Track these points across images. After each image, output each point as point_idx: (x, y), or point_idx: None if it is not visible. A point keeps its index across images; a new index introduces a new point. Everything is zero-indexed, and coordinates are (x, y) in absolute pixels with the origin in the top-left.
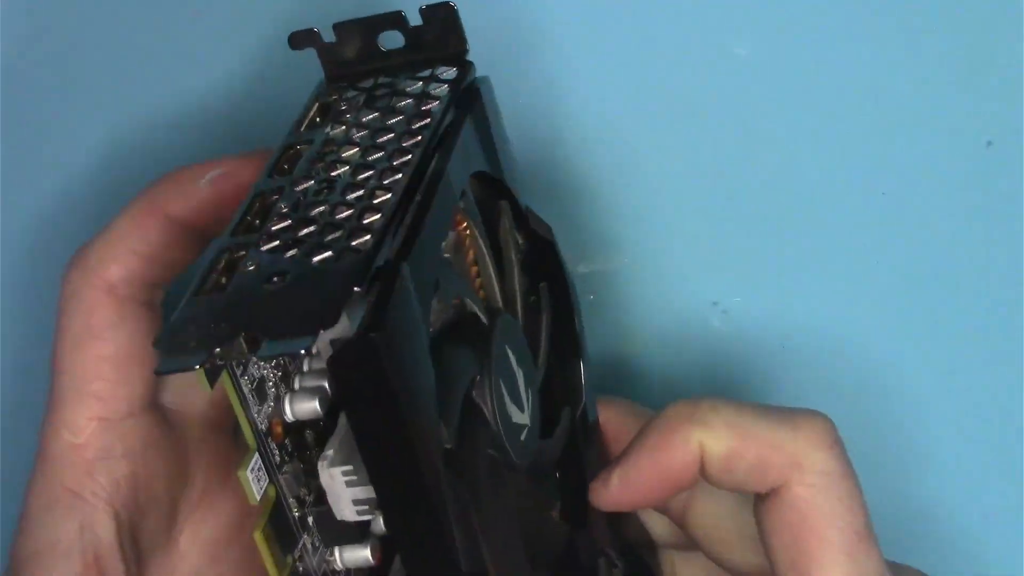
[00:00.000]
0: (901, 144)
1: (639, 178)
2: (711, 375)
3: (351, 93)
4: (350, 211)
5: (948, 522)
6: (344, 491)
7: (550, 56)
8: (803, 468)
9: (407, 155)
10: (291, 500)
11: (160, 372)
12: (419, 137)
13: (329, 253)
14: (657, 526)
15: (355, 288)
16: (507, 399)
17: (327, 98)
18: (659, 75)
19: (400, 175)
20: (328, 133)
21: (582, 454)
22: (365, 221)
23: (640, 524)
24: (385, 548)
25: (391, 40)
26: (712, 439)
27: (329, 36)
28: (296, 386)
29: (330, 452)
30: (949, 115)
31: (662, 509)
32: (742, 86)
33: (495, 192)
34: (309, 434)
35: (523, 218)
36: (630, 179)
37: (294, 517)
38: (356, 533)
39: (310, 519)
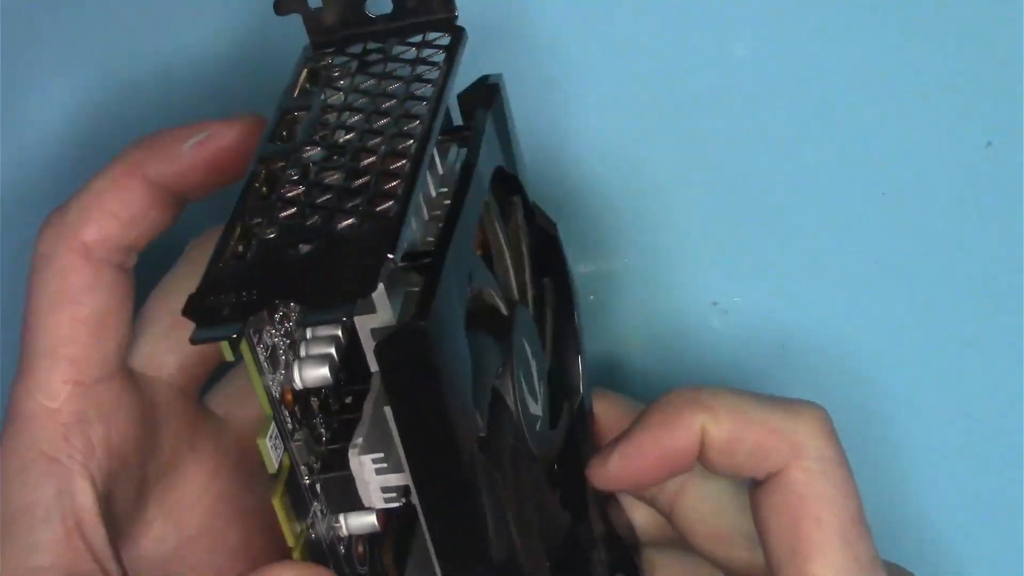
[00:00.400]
0: (901, 144)
1: (639, 178)
2: (711, 375)
3: (341, 59)
4: (366, 177)
5: (949, 523)
6: (373, 479)
7: (550, 56)
8: (802, 453)
9: (415, 120)
10: (302, 468)
11: (196, 342)
12: (424, 102)
13: (352, 220)
14: (638, 521)
15: (388, 255)
16: (525, 390)
17: (315, 64)
18: (658, 75)
19: (411, 140)
20: (325, 99)
21: (579, 446)
22: (385, 187)
23: (627, 520)
24: (388, 515)
25: (377, 6)
26: (714, 423)
27: (315, 1)
28: (303, 353)
29: (359, 440)
30: (949, 115)
31: (649, 502)
32: (741, 86)
33: (508, 187)
34: (314, 401)
35: (531, 213)
36: (630, 179)
37: (305, 485)
38: (360, 500)
39: (318, 486)
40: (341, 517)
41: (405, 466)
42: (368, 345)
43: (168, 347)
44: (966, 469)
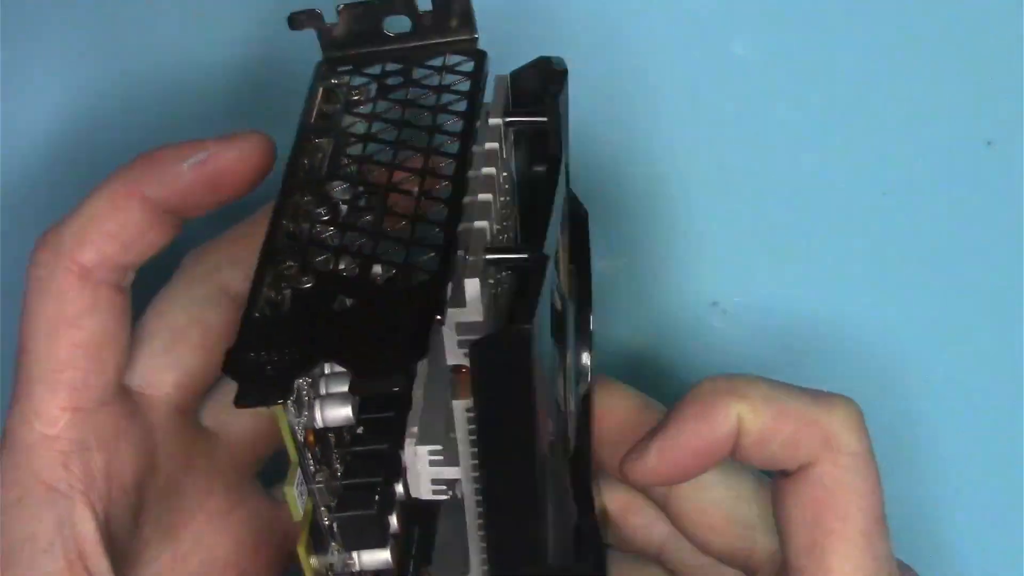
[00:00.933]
0: (901, 144)
1: (638, 178)
2: (711, 375)
3: (359, 80)
4: (402, 222)
5: (949, 524)
6: (426, 470)
7: (549, 55)
8: (834, 447)
9: (447, 159)
10: (323, 509)
11: (240, 405)
12: (452, 138)
13: (392, 271)
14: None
15: (436, 317)
16: (567, 388)
17: (329, 83)
18: (658, 74)
19: (446, 182)
20: (347, 127)
21: (582, 433)
22: (422, 234)
23: (601, 505)
24: (401, 550)
25: (395, 24)
26: (751, 412)
27: (331, 16)
28: (323, 391)
29: (415, 429)
30: (949, 115)
31: (644, 490)
32: (741, 85)
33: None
34: (331, 436)
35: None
36: (629, 179)
37: (324, 525)
38: (378, 538)
39: (335, 525)
40: (355, 554)
41: (462, 460)
42: (451, 336)
43: (166, 364)
44: (966, 468)
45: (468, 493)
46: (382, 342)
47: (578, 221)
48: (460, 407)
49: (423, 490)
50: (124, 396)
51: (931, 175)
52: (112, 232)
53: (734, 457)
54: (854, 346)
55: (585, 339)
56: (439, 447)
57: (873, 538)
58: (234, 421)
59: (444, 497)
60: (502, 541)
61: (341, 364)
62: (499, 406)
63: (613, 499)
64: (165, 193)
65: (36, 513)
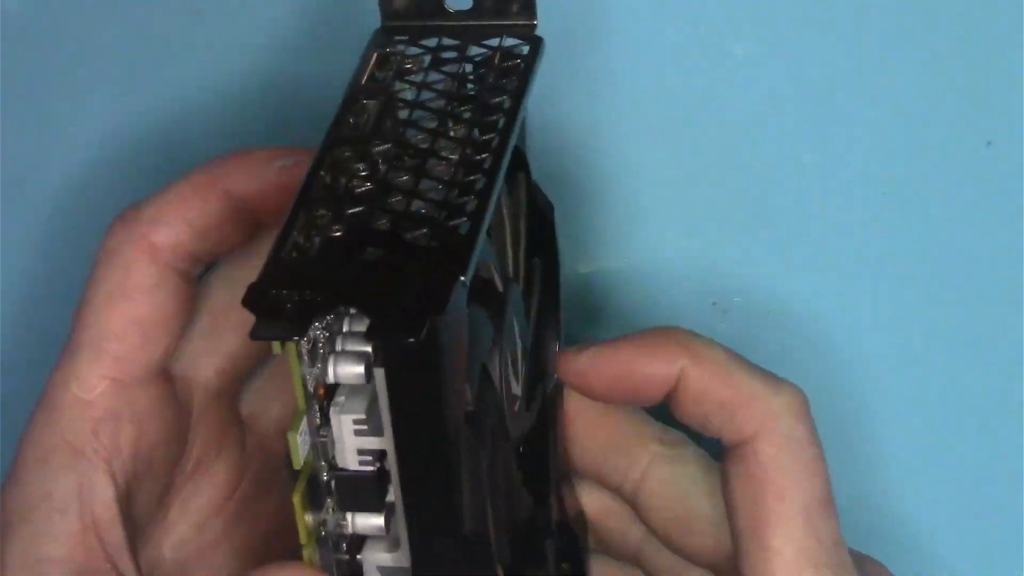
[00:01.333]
0: (901, 144)
1: (639, 178)
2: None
3: (414, 50)
4: (439, 186)
5: (935, 525)
6: (351, 439)
7: (547, 56)
8: (772, 427)
9: (490, 132)
10: (322, 464)
11: (255, 337)
12: (499, 114)
13: (423, 230)
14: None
15: (460, 278)
16: (510, 369)
17: (385, 50)
18: (658, 74)
19: (486, 154)
20: (396, 91)
21: (547, 431)
22: (457, 200)
23: (577, 504)
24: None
25: (455, 1)
26: (695, 368)
27: None
28: (339, 348)
29: (341, 399)
30: (949, 115)
31: (614, 488)
32: (741, 85)
33: (515, 162)
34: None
35: (531, 192)
36: (630, 179)
37: (323, 481)
38: (374, 502)
39: (332, 483)
40: (348, 516)
41: (386, 430)
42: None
43: (207, 348)
44: (960, 471)
45: (393, 465)
46: (404, 295)
47: (541, 215)
48: (382, 375)
49: (349, 460)
50: (165, 378)
51: (931, 175)
52: (189, 218)
53: (672, 413)
54: (855, 346)
55: (552, 335)
56: (362, 416)
57: (814, 519)
58: (267, 411)
59: (371, 469)
60: (415, 506)
61: (361, 310)
62: (407, 375)
63: (590, 503)
64: (248, 190)
65: (58, 473)
